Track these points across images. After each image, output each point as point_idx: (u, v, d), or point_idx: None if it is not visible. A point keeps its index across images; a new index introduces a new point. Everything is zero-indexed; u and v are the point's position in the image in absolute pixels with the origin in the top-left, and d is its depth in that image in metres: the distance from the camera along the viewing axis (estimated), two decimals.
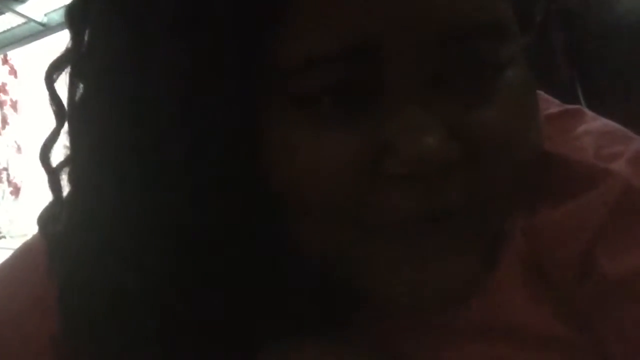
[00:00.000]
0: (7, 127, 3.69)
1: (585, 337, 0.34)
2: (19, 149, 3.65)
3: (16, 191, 3.58)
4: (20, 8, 2.51)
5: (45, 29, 2.54)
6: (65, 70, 0.33)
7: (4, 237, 3.33)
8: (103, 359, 0.31)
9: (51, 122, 0.34)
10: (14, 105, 3.69)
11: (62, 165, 0.34)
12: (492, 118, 0.29)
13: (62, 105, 0.33)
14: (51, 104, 0.33)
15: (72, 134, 0.33)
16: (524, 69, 0.31)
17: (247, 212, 0.29)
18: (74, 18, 0.32)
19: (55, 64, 0.33)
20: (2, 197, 3.60)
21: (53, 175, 0.33)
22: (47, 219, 0.34)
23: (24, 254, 0.38)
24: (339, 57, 0.27)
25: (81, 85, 0.32)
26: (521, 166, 0.30)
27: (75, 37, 0.32)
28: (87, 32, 0.32)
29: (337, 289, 0.32)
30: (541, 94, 0.43)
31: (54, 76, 0.33)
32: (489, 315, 0.34)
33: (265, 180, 0.29)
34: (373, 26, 0.26)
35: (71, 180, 0.33)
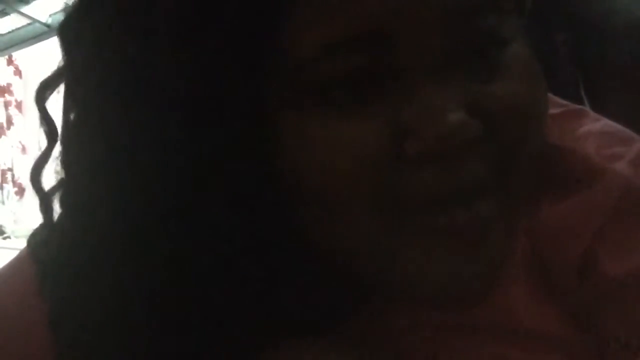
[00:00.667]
0: (11, 127, 3.71)
1: (586, 336, 0.34)
2: (23, 149, 3.67)
3: (21, 191, 3.60)
4: (24, 9, 2.52)
5: (49, 30, 2.55)
6: (56, 89, 0.32)
7: (8, 237, 3.35)
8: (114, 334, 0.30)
9: (46, 141, 0.33)
10: (18, 106, 3.70)
11: (54, 189, 0.33)
12: (505, 91, 0.28)
13: (54, 125, 0.32)
14: (42, 124, 0.33)
15: (65, 156, 0.32)
16: (524, 45, 0.31)
17: (261, 210, 0.29)
18: (66, 37, 0.32)
19: (46, 82, 0.32)
20: (7, 198, 3.61)
21: (44, 198, 0.33)
22: (37, 242, 0.33)
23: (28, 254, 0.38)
24: (351, 43, 0.27)
25: (75, 107, 0.31)
26: (536, 137, 0.30)
27: (69, 56, 0.31)
28: (80, 51, 0.31)
29: (339, 286, 0.32)
30: None
31: (46, 95, 0.32)
32: (490, 314, 0.34)
33: (281, 178, 0.29)
34: (382, 10, 0.26)
35: (63, 204, 0.32)
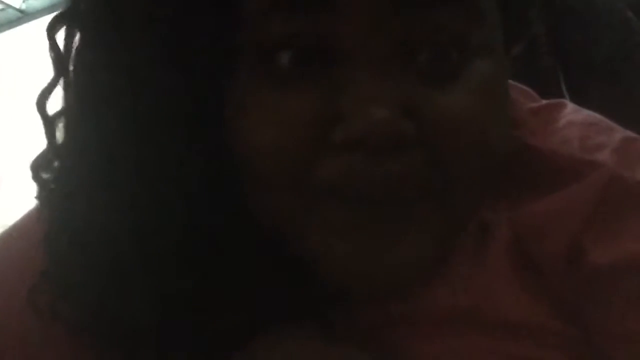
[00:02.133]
0: None
1: (574, 326, 0.34)
2: None
3: None
4: None
5: (23, 16, 2.51)
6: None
7: None
8: (88, 299, 0.31)
9: (43, 81, 0.34)
10: None
11: (57, 114, 0.34)
12: (452, 102, 0.28)
13: (61, 54, 0.33)
14: (50, 52, 0.34)
15: (67, 83, 0.33)
16: (499, 65, 0.31)
17: (212, 177, 0.30)
18: None
19: (57, 18, 0.33)
20: None
21: (49, 123, 0.34)
22: (39, 165, 0.34)
23: (3, 242, 0.38)
24: (300, 3, 0.27)
25: (77, 37, 0.33)
26: (481, 153, 0.29)
27: None
28: None
29: (311, 272, 0.32)
30: (523, 88, 0.43)
31: (56, 27, 0.33)
32: (476, 306, 0.34)
33: (231, 142, 0.29)
34: None
35: (65, 129, 0.33)
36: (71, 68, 0.33)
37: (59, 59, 0.33)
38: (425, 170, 0.28)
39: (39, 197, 0.35)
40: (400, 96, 0.27)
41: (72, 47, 0.33)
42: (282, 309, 0.32)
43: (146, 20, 0.29)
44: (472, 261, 0.35)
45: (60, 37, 0.34)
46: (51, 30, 0.33)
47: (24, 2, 2.50)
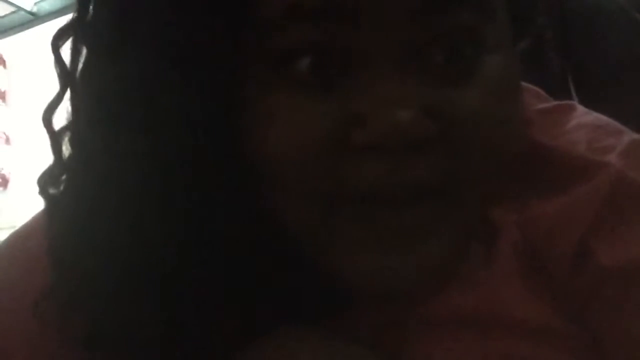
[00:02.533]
0: None
1: (581, 328, 0.34)
2: (7, 140, 3.62)
3: (4, 183, 3.55)
4: None
5: (34, 18, 2.52)
6: (70, 37, 0.34)
7: None
8: (94, 313, 0.31)
9: (51, 92, 0.34)
10: (2, 96, 3.65)
11: (64, 129, 0.34)
12: (470, 99, 0.28)
13: (67, 68, 0.33)
14: (55, 67, 0.34)
15: (73, 98, 0.33)
16: (510, 60, 0.31)
17: (228, 182, 0.29)
18: None
19: (62, 30, 0.33)
20: None
21: (55, 138, 0.34)
22: (46, 180, 0.34)
23: (13, 242, 0.38)
24: (318, 14, 0.27)
25: (84, 52, 0.32)
26: (497, 152, 0.29)
27: (81, 6, 0.32)
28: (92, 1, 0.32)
29: (324, 274, 0.32)
30: (533, 88, 0.43)
31: (60, 42, 0.33)
32: (484, 307, 0.34)
33: (247, 149, 0.29)
34: None
35: (72, 144, 0.33)
36: (78, 81, 0.33)
37: (65, 73, 0.33)
38: (444, 171, 0.28)
39: (45, 212, 0.34)
40: (420, 96, 0.27)
41: (79, 61, 0.32)
42: (287, 309, 0.32)
43: (157, 31, 0.29)
44: (480, 262, 0.35)
45: (66, 49, 0.33)
46: (56, 43, 0.33)
47: (35, 4, 2.51)
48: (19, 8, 2.54)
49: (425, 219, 0.29)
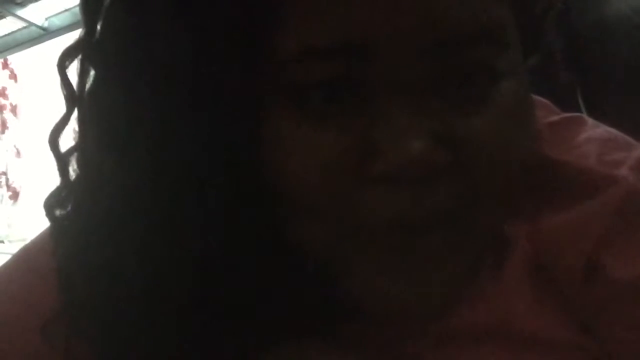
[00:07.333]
0: (6, 131, 3.70)
1: (592, 341, 0.33)
2: (18, 153, 3.65)
3: (15, 195, 3.58)
4: (21, 12, 2.52)
5: (45, 33, 2.55)
6: (77, 57, 0.33)
7: (2, 241, 3.33)
8: (102, 337, 0.31)
9: (59, 112, 0.34)
10: (13, 110, 3.69)
11: (70, 151, 0.34)
12: (483, 127, 0.28)
13: (73, 90, 0.33)
14: (62, 89, 0.34)
15: (81, 120, 0.33)
16: (522, 83, 0.31)
17: (245, 207, 0.29)
18: (87, 6, 0.32)
19: (68, 51, 0.33)
20: (1, 202, 3.60)
21: (61, 160, 0.34)
22: (53, 203, 0.34)
23: (22, 257, 0.38)
24: (333, 52, 0.27)
25: (92, 73, 0.32)
26: (509, 177, 0.30)
27: (88, 25, 0.32)
28: (99, 20, 0.32)
29: (334, 291, 0.32)
30: (542, 100, 0.43)
31: (66, 63, 0.33)
32: (495, 320, 0.34)
33: (264, 176, 0.29)
34: (369, 26, 0.27)
35: (79, 166, 0.33)
36: (85, 102, 0.33)
37: (71, 95, 0.33)
38: (460, 194, 0.28)
39: (52, 234, 0.34)
40: (434, 126, 0.27)
41: (86, 83, 0.32)
42: (293, 325, 0.32)
43: (171, 58, 0.29)
44: (491, 275, 0.35)
45: (72, 70, 0.33)
46: (62, 64, 0.33)
47: (46, 19, 2.54)
48: (30, 23, 2.57)
49: (442, 244, 0.29)
